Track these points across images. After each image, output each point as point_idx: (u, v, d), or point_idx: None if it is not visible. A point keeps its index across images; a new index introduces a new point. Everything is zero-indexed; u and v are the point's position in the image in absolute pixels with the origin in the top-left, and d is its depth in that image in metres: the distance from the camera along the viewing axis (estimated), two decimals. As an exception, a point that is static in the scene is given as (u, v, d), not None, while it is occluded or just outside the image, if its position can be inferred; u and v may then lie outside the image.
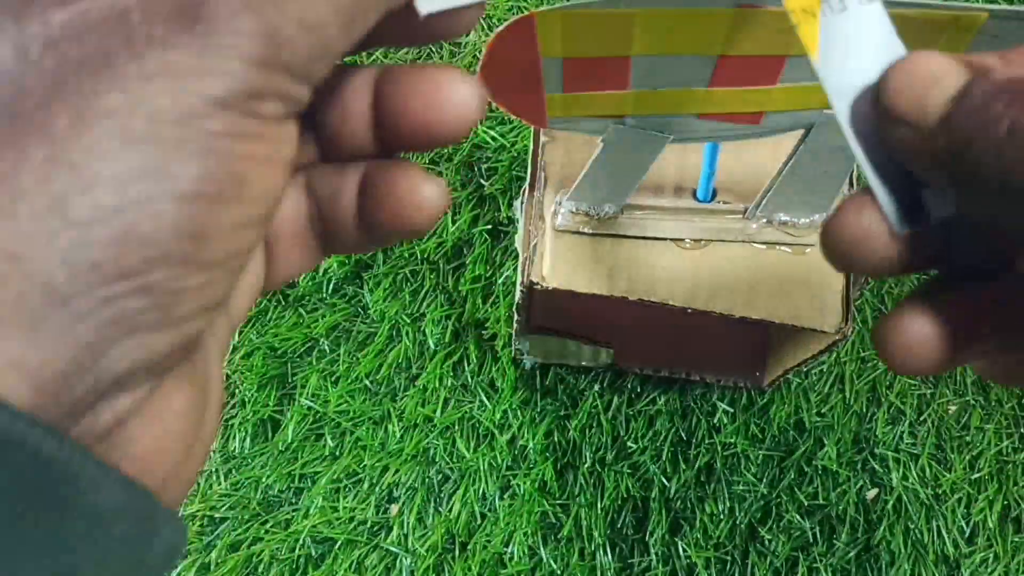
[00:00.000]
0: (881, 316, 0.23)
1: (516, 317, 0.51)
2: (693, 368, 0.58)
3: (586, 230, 0.44)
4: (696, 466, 0.58)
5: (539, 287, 0.44)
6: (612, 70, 0.33)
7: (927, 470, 0.59)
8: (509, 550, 0.55)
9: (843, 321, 0.44)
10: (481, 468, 0.57)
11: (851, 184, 0.45)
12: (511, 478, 0.57)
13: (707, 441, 0.59)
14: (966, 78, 0.21)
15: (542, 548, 0.56)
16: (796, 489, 0.58)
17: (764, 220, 0.44)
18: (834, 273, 0.44)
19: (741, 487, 0.58)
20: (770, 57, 0.32)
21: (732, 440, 0.59)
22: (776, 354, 0.56)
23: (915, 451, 0.60)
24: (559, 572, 0.55)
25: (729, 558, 0.56)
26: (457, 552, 0.55)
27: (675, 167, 0.45)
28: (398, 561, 0.55)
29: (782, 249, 0.45)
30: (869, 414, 0.60)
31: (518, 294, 0.47)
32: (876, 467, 0.59)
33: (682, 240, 0.45)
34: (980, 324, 0.24)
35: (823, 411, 0.60)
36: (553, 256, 0.44)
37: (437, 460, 0.58)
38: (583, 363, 0.59)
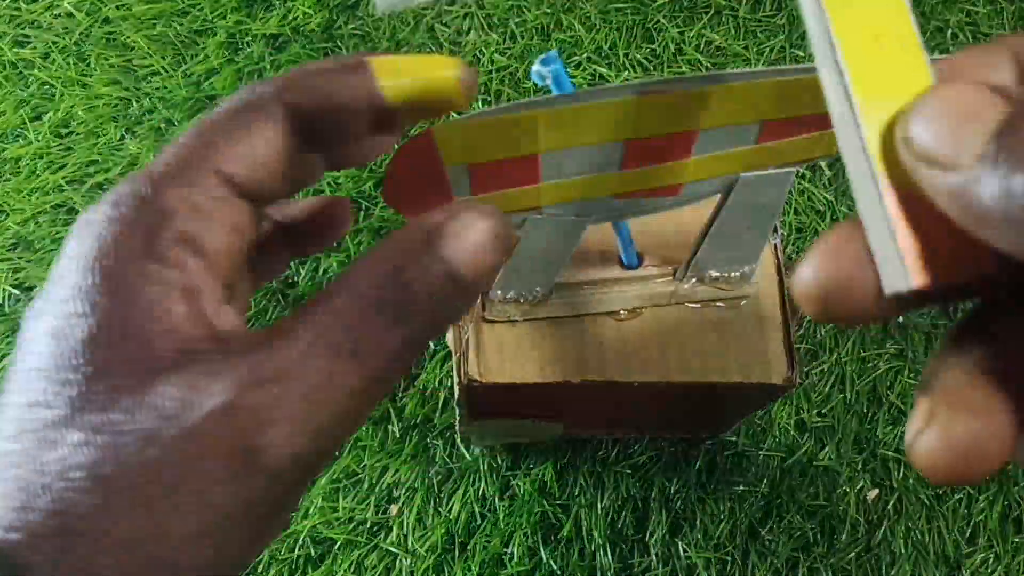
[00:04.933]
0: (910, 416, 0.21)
1: (458, 412, 0.49)
2: (647, 431, 0.57)
3: (518, 317, 0.43)
4: (697, 466, 0.58)
5: (478, 384, 0.42)
6: (521, 168, 0.32)
7: (928, 470, 0.59)
8: (509, 550, 0.55)
9: (788, 369, 0.43)
10: (481, 468, 0.57)
11: (776, 230, 0.44)
12: (511, 478, 0.57)
13: (708, 441, 0.59)
14: (1007, 111, 0.18)
15: (542, 548, 0.55)
16: (797, 489, 0.58)
17: (695, 279, 0.43)
18: (771, 323, 0.43)
19: (742, 487, 0.58)
20: (680, 133, 0.32)
21: (733, 440, 0.59)
22: (728, 408, 0.55)
23: (916, 451, 0.59)
24: (559, 573, 0.55)
25: (729, 558, 0.56)
26: (457, 553, 0.55)
27: (597, 234, 0.42)
28: (398, 561, 0.55)
29: (718, 306, 0.44)
30: (870, 414, 0.60)
31: (456, 391, 0.45)
32: (877, 467, 0.59)
33: (617, 312, 0.44)
34: None
35: (824, 411, 0.60)
36: (488, 350, 0.43)
37: (437, 460, 0.58)
38: (536, 440, 0.57)
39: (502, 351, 0.43)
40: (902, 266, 0.18)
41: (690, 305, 0.44)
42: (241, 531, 0.22)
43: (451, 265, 0.23)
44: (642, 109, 0.29)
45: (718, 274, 0.43)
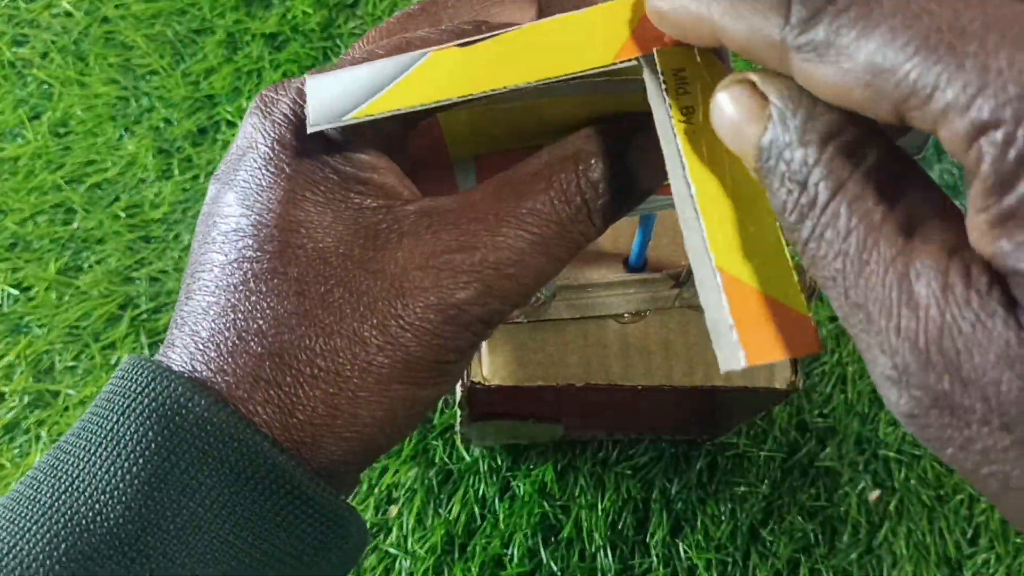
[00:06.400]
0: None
1: (459, 413, 0.49)
2: (646, 432, 0.57)
3: (522, 319, 0.43)
4: (697, 467, 0.58)
5: (481, 386, 0.42)
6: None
7: (929, 471, 0.59)
8: (509, 552, 0.55)
9: (792, 374, 0.43)
10: (480, 469, 0.57)
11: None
12: (511, 479, 0.57)
13: (708, 442, 0.58)
14: (763, 127, 0.20)
15: (542, 550, 0.55)
16: (798, 490, 0.58)
17: None
18: None
19: (743, 488, 0.58)
20: None
21: (734, 441, 0.59)
22: (727, 413, 0.55)
23: (917, 452, 0.59)
24: (559, 574, 0.55)
25: (730, 559, 0.56)
26: (456, 554, 0.55)
27: (602, 235, 0.42)
28: (397, 563, 0.55)
29: None
30: (872, 415, 0.60)
31: (459, 393, 0.45)
32: (878, 468, 0.59)
33: (620, 315, 0.44)
34: None
35: (825, 412, 0.60)
36: (492, 352, 0.42)
37: (437, 461, 0.57)
38: (536, 441, 0.57)
39: (505, 354, 0.42)
40: (737, 348, 0.22)
41: (694, 310, 0.44)
42: (410, 388, 0.25)
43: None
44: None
45: None
